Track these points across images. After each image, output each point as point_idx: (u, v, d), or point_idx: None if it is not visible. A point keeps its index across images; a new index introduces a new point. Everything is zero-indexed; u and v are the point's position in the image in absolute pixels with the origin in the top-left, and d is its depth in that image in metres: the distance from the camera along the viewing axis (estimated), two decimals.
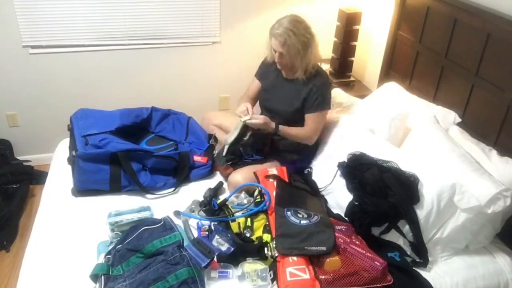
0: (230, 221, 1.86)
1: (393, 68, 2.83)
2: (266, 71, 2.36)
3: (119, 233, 1.78)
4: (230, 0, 3.05)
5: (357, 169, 1.88)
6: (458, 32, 2.24)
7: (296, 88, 2.20)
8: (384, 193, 1.80)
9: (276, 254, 1.71)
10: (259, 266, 1.69)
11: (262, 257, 1.73)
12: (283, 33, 2.05)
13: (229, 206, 1.96)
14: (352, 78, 3.13)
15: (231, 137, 2.13)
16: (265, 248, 1.75)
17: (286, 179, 2.09)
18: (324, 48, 3.35)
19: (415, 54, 2.57)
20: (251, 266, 1.68)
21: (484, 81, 2.09)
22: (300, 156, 2.29)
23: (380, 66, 2.92)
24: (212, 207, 1.95)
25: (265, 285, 1.64)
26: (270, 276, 1.66)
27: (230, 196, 2.00)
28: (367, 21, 3.08)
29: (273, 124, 2.17)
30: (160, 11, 2.97)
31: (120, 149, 2.06)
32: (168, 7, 2.97)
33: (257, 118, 2.13)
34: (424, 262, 1.79)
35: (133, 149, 2.11)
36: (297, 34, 2.06)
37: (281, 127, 2.18)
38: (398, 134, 2.18)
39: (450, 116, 2.25)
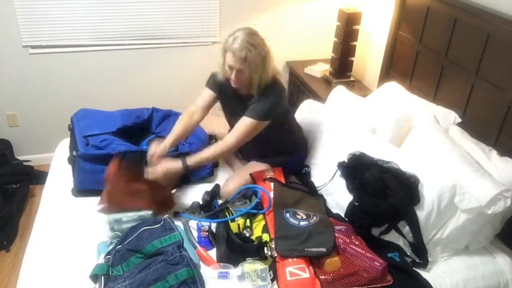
0: (229, 222, 1.86)
1: (393, 68, 2.83)
2: (219, 85, 2.13)
3: (119, 233, 1.78)
4: (230, 0, 3.05)
5: (357, 170, 1.88)
6: (458, 32, 2.24)
7: (249, 99, 2.02)
8: (384, 193, 1.80)
9: (276, 255, 1.71)
10: (259, 266, 1.69)
11: (262, 257, 1.73)
12: (243, 47, 1.87)
13: (229, 207, 1.95)
14: (352, 78, 3.13)
15: None
16: (265, 248, 1.75)
17: (283, 181, 2.09)
18: (324, 48, 3.36)
19: (415, 54, 2.57)
20: (250, 266, 1.68)
21: (484, 81, 2.09)
22: (291, 157, 2.26)
23: (380, 66, 2.92)
24: (213, 208, 1.95)
25: (265, 285, 1.64)
26: (270, 276, 1.66)
27: (231, 200, 1.98)
28: (367, 21, 3.08)
29: (177, 164, 1.93)
30: (160, 11, 2.97)
31: (121, 151, 2.05)
32: (168, 7, 2.97)
33: (154, 173, 1.92)
34: (424, 262, 1.79)
35: (134, 150, 2.10)
36: (257, 47, 1.90)
37: (188, 160, 1.94)
38: (401, 136, 2.18)
39: (450, 116, 2.25)
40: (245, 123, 1.98)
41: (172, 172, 1.95)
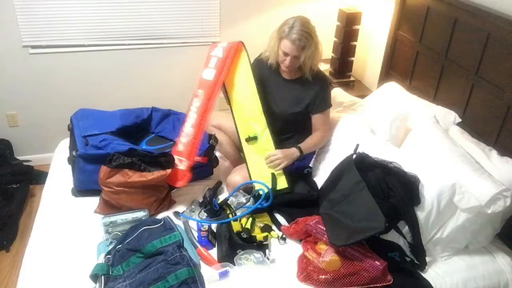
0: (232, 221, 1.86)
1: (393, 68, 2.83)
2: (261, 70, 2.25)
3: (119, 233, 1.78)
4: (230, 0, 3.05)
5: (361, 170, 1.88)
6: (458, 32, 2.24)
7: (299, 89, 2.18)
8: (386, 194, 1.80)
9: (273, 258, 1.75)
10: (254, 254, 1.73)
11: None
12: (302, 37, 2.01)
13: (231, 205, 1.96)
14: (352, 78, 3.13)
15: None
16: (266, 251, 1.77)
17: None
18: (324, 48, 3.34)
19: (415, 54, 2.57)
20: (245, 256, 1.73)
21: (484, 81, 2.09)
22: (304, 157, 2.27)
23: (380, 66, 2.92)
24: (213, 207, 1.95)
25: (266, 267, 1.69)
26: (267, 256, 1.73)
27: (229, 196, 2.00)
28: (367, 21, 3.08)
29: (295, 153, 2.15)
30: (160, 11, 2.97)
31: (120, 151, 2.05)
32: (168, 7, 2.97)
33: (279, 159, 2.10)
34: (422, 264, 1.79)
35: (121, 151, 2.08)
36: (312, 36, 2.05)
37: (302, 148, 2.18)
38: (398, 135, 2.18)
39: (450, 116, 2.25)
40: (324, 117, 2.22)
41: (293, 158, 2.15)
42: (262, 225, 1.92)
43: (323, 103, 2.19)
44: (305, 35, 2.01)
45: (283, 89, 2.22)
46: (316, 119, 2.21)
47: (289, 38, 2.01)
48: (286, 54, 2.07)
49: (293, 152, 2.15)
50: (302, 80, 2.17)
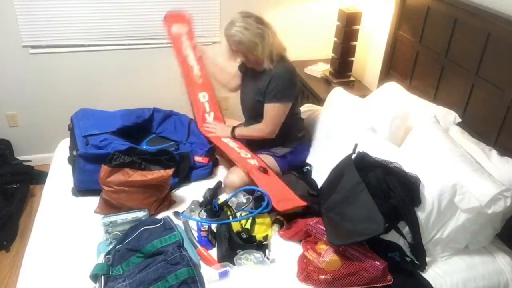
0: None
1: (393, 68, 2.83)
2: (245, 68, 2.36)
3: (119, 233, 1.78)
4: (230, 0, 3.05)
5: (362, 170, 1.88)
6: (458, 32, 2.24)
7: (261, 80, 2.18)
8: (386, 194, 1.80)
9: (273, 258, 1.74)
10: (254, 254, 1.72)
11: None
12: (236, 32, 2.07)
13: (231, 206, 1.96)
14: (352, 78, 3.13)
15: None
16: (266, 251, 1.76)
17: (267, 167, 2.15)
18: (324, 48, 3.36)
19: (415, 54, 2.57)
20: (245, 256, 1.73)
21: (484, 81, 2.09)
22: (291, 149, 2.28)
23: (380, 66, 2.92)
24: (213, 207, 1.95)
25: (266, 266, 1.68)
26: (267, 256, 1.72)
27: (230, 198, 1.99)
28: (367, 21, 3.08)
29: (228, 130, 2.32)
30: (160, 11, 2.95)
31: (120, 150, 2.05)
32: (168, 7, 2.96)
33: (214, 129, 2.34)
34: (422, 265, 1.79)
35: (121, 150, 2.08)
36: (250, 28, 2.06)
37: (236, 130, 2.29)
38: (398, 134, 2.18)
39: (450, 116, 2.25)
40: (270, 109, 2.17)
41: (223, 132, 2.32)
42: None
43: (275, 92, 2.13)
44: (240, 30, 2.06)
45: (250, 81, 2.29)
46: (265, 108, 2.19)
47: (226, 34, 2.12)
48: (233, 51, 2.15)
49: (227, 130, 2.33)
50: (266, 71, 2.16)
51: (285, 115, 2.19)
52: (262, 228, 1.89)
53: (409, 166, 1.86)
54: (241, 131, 2.31)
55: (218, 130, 2.37)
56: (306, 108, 2.65)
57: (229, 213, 1.91)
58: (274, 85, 2.12)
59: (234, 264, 1.71)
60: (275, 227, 1.92)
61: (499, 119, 2.02)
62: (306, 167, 2.27)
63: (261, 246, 1.78)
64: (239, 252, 1.74)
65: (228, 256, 1.73)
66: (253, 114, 2.29)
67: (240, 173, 2.13)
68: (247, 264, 1.71)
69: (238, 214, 1.92)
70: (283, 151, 2.27)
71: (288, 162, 2.25)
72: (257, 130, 2.25)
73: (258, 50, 2.09)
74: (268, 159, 2.23)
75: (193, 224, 1.89)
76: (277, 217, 1.97)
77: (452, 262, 1.85)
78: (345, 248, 1.70)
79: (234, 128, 2.32)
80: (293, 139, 2.29)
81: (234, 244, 1.76)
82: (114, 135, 2.20)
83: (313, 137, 2.40)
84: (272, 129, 2.19)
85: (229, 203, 1.97)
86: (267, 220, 1.93)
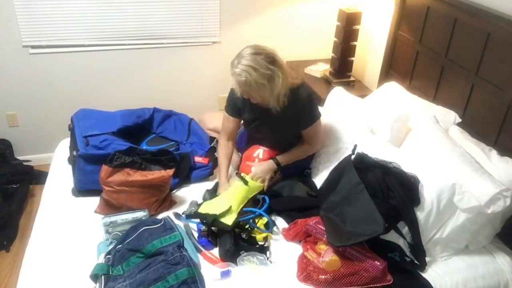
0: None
1: (393, 68, 2.83)
2: (240, 104, 2.13)
3: (119, 233, 1.78)
4: (230, 0, 3.05)
5: (361, 170, 1.88)
6: (458, 32, 2.24)
7: (283, 113, 2.01)
8: (385, 194, 1.80)
9: (273, 261, 1.74)
10: (257, 256, 1.73)
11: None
12: (242, 71, 1.84)
13: None
14: (352, 78, 3.13)
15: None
16: (267, 252, 1.77)
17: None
18: (324, 48, 3.36)
19: (415, 54, 2.57)
20: (248, 258, 1.72)
21: (484, 81, 2.09)
22: (301, 161, 2.26)
23: (380, 66, 2.92)
24: None
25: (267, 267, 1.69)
26: (269, 259, 1.73)
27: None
28: (367, 21, 3.08)
29: (270, 164, 2.08)
30: (160, 11, 2.97)
31: (121, 150, 2.05)
32: (168, 7, 2.97)
33: (261, 176, 2.04)
34: (422, 265, 1.79)
35: (121, 150, 2.08)
36: (258, 69, 1.84)
37: (280, 160, 2.10)
38: (400, 136, 2.18)
39: (450, 116, 2.25)
40: (311, 131, 2.12)
41: (271, 169, 2.08)
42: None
43: (307, 118, 2.07)
44: (247, 69, 1.83)
45: (269, 118, 2.06)
46: (305, 133, 2.14)
47: (232, 73, 1.89)
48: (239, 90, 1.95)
49: (269, 164, 2.08)
50: (286, 104, 1.99)
51: (321, 130, 2.18)
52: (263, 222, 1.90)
53: (408, 166, 1.86)
54: (285, 158, 2.12)
55: (259, 173, 2.05)
56: None
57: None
58: (306, 110, 2.05)
59: (236, 264, 1.71)
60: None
61: (499, 119, 2.02)
62: (306, 170, 2.26)
63: (263, 248, 1.78)
64: (243, 253, 1.73)
65: (231, 255, 1.72)
66: (274, 144, 2.16)
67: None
68: (249, 265, 1.70)
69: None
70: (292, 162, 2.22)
71: (292, 170, 2.22)
72: (304, 152, 2.17)
73: (265, 92, 1.90)
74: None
75: (193, 225, 1.89)
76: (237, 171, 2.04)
77: (452, 262, 1.85)
78: (345, 248, 1.70)
79: (273, 159, 2.11)
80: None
81: (238, 245, 1.77)
82: (114, 136, 2.19)
83: None
84: (319, 145, 2.21)
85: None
86: (265, 221, 1.93)
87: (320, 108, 2.43)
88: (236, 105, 2.14)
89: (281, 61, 1.93)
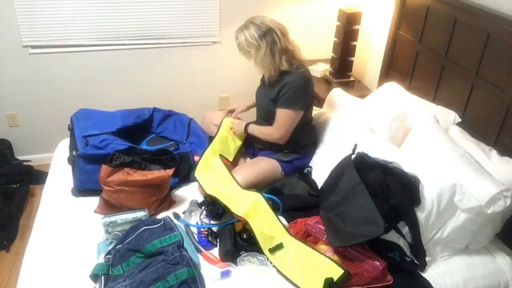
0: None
1: (393, 68, 2.83)
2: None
3: (119, 233, 1.78)
4: (230, 0, 3.05)
5: (361, 170, 1.88)
6: (458, 32, 2.24)
7: (273, 85, 2.18)
8: (386, 194, 1.79)
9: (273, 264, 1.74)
10: (257, 256, 1.72)
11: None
12: (236, 33, 2.14)
13: None
14: (352, 78, 3.13)
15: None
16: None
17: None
18: (324, 48, 3.36)
19: (415, 54, 2.57)
20: (248, 258, 1.72)
21: (484, 81, 2.09)
22: (298, 156, 2.28)
23: (380, 66, 2.92)
24: (216, 210, 1.94)
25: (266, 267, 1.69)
26: (269, 260, 1.72)
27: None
28: (367, 21, 3.08)
29: (242, 125, 2.29)
30: (160, 11, 2.97)
31: (120, 150, 2.05)
32: (168, 7, 2.97)
33: (233, 128, 2.31)
34: (422, 265, 1.79)
35: (121, 150, 2.08)
36: (247, 36, 2.09)
37: (250, 127, 2.28)
38: (398, 134, 2.18)
39: (450, 116, 2.25)
40: (280, 114, 2.16)
41: (240, 129, 2.31)
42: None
43: (286, 97, 2.12)
44: (239, 33, 2.11)
45: (263, 88, 2.29)
46: (277, 113, 2.18)
47: (236, 43, 2.16)
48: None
49: (241, 125, 2.31)
50: (277, 81, 2.16)
51: (295, 123, 2.17)
52: None
53: (408, 166, 1.86)
54: (252, 130, 2.28)
55: (235, 125, 2.35)
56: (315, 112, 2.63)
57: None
58: (285, 91, 2.12)
59: (236, 265, 1.70)
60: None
61: (499, 119, 2.02)
62: (307, 168, 2.27)
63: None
64: (243, 253, 1.73)
65: (231, 256, 1.72)
66: (267, 121, 2.27)
67: (244, 172, 2.14)
68: (249, 265, 1.70)
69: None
70: (290, 157, 2.26)
71: (294, 166, 2.25)
72: (267, 134, 2.22)
73: (250, 57, 2.14)
74: (273, 163, 2.23)
75: (193, 228, 1.88)
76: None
77: (452, 262, 1.85)
78: (345, 248, 1.70)
79: (247, 124, 2.30)
80: (300, 146, 2.28)
81: (238, 244, 1.77)
82: (114, 135, 2.20)
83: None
84: (282, 135, 2.17)
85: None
86: None
87: (319, 109, 2.44)
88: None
89: (276, 39, 2.08)
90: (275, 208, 1.93)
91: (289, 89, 2.11)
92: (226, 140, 2.33)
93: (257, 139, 2.28)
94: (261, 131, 2.25)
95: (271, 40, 2.08)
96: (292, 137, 2.20)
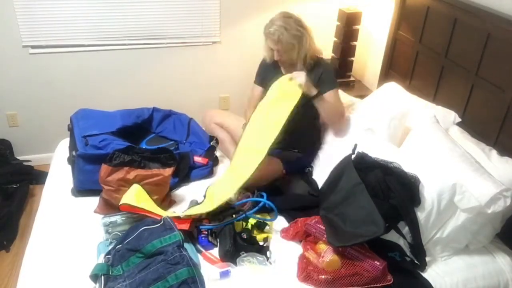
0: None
1: (393, 68, 2.84)
2: (265, 74, 2.36)
3: (118, 233, 1.78)
4: (230, 0, 3.05)
5: (361, 170, 1.88)
6: (458, 32, 2.24)
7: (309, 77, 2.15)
8: (386, 194, 1.79)
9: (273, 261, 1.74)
10: (257, 257, 1.72)
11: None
12: (275, 30, 2.12)
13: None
14: (352, 78, 3.13)
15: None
16: (268, 252, 1.77)
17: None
18: (324, 48, 3.35)
19: (415, 54, 2.57)
20: (248, 258, 1.72)
21: (484, 81, 2.09)
22: (302, 154, 2.28)
23: (380, 66, 2.92)
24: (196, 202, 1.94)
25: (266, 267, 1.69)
26: (269, 260, 1.73)
27: (237, 205, 1.96)
28: (367, 21, 3.08)
29: (314, 90, 2.13)
30: (160, 11, 2.97)
31: (120, 149, 2.05)
32: (168, 7, 2.97)
33: (301, 76, 2.10)
34: (422, 265, 1.79)
35: (120, 149, 2.07)
36: (289, 29, 2.12)
37: (322, 98, 2.16)
38: (397, 134, 2.18)
39: (450, 116, 2.25)
40: (331, 95, 2.19)
41: (310, 89, 2.12)
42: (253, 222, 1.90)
43: (329, 81, 2.20)
44: (280, 29, 2.11)
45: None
46: (327, 96, 2.18)
47: (266, 33, 2.16)
48: (271, 49, 2.20)
49: (312, 88, 2.13)
50: (310, 70, 2.20)
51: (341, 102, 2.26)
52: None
53: (408, 166, 1.86)
54: (326, 101, 2.16)
55: (304, 78, 2.10)
56: None
57: (234, 215, 1.89)
58: (326, 75, 2.20)
59: (236, 265, 1.70)
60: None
61: (499, 119, 2.02)
62: (308, 168, 2.27)
63: (263, 248, 1.78)
64: (243, 254, 1.73)
65: (231, 256, 1.72)
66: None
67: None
68: (249, 265, 1.70)
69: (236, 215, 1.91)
70: (295, 156, 2.26)
71: (295, 165, 2.25)
72: (339, 112, 2.23)
73: (294, 51, 2.16)
74: (274, 161, 2.21)
75: None
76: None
77: (452, 262, 1.85)
78: (345, 248, 1.70)
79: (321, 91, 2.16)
80: (307, 146, 2.30)
81: (238, 245, 1.77)
82: (114, 135, 2.19)
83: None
84: (343, 114, 2.25)
85: (228, 202, 1.95)
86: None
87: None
88: (265, 73, 2.36)
89: (309, 28, 2.21)
90: (270, 212, 1.93)
91: (329, 72, 2.23)
92: (277, 103, 2.13)
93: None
94: (328, 103, 2.17)
95: (307, 29, 2.19)
96: (302, 136, 2.24)
